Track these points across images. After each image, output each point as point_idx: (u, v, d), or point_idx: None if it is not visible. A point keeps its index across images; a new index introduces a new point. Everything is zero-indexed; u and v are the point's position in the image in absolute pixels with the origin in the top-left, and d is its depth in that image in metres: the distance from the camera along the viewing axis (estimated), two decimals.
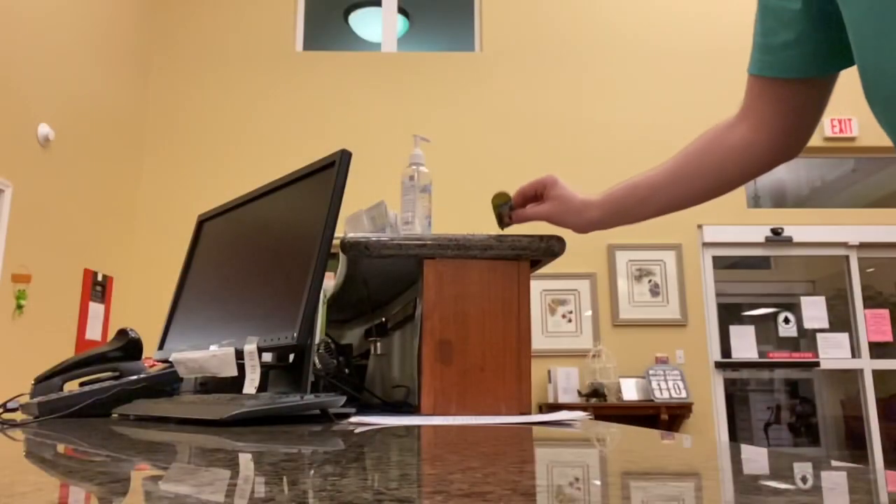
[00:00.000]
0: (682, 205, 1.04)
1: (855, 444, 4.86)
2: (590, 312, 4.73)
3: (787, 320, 4.95)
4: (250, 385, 0.88)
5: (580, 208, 1.08)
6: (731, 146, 0.96)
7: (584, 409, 3.97)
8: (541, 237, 1.06)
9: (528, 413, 1.00)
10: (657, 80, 5.08)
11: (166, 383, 1.08)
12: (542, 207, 1.11)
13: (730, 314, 4.98)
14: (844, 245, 4.90)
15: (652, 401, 4.40)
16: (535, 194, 1.13)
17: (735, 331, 4.84)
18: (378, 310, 1.55)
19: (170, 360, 1.03)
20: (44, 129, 3.79)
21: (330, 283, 1.24)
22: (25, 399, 1.06)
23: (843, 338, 4.81)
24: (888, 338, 4.80)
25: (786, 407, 5.28)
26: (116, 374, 1.13)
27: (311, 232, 0.91)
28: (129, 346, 1.15)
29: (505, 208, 1.15)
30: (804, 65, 0.85)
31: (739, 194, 4.90)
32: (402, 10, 5.48)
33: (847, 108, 4.85)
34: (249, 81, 5.08)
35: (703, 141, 1.00)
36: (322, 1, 5.51)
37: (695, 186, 1.01)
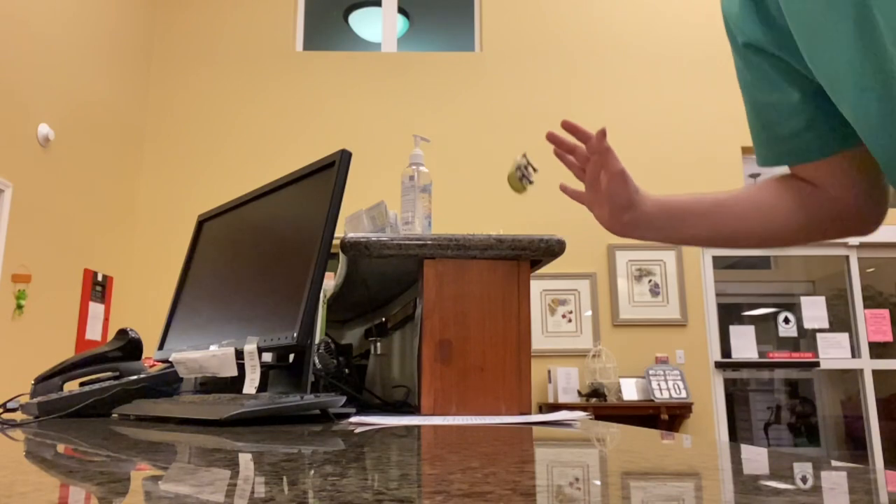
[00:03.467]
0: (760, 233, 0.84)
1: (855, 444, 4.86)
2: (590, 312, 4.73)
3: (787, 320, 4.95)
4: (250, 385, 0.88)
5: (635, 194, 0.86)
6: (826, 200, 0.83)
7: (584, 409, 3.97)
8: (541, 237, 1.06)
9: (528, 413, 1.00)
10: (657, 81, 5.08)
11: (166, 383, 1.08)
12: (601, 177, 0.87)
13: (730, 314, 4.98)
14: (844, 245, 4.90)
15: (652, 401, 4.40)
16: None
17: (735, 331, 4.84)
18: (378, 310, 1.55)
19: (170, 360, 1.03)
20: (44, 129, 3.79)
21: (330, 283, 1.24)
22: (25, 399, 1.06)
23: (843, 338, 4.81)
24: (888, 338, 4.80)
25: (786, 407, 5.28)
26: (116, 374, 1.13)
27: (311, 232, 0.91)
28: (129, 346, 1.15)
29: (524, 164, 1.01)
30: (825, 144, 0.77)
31: None
32: (402, 10, 5.48)
33: None
34: (249, 81, 5.08)
35: (797, 182, 0.84)
36: (322, 1, 5.51)
37: (783, 222, 0.83)
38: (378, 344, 1.40)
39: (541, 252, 1.06)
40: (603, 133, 0.82)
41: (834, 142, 0.77)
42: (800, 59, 0.71)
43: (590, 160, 0.85)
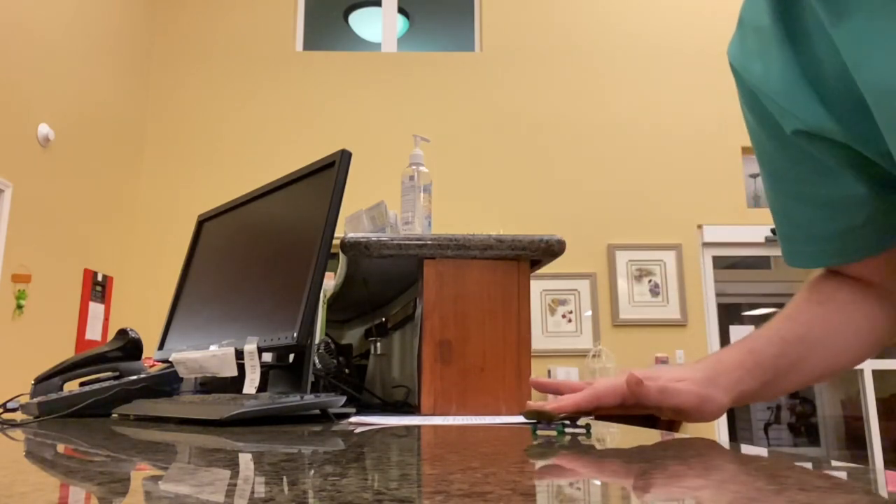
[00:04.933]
0: (843, 360, 0.71)
1: (855, 444, 4.86)
2: (590, 312, 4.73)
3: None
4: (250, 385, 0.88)
5: (704, 394, 0.64)
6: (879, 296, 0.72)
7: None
8: (541, 237, 1.06)
9: None
10: (658, 80, 5.08)
11: (166, 383, 1.08)
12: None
13: (730, 314, 4.98)
14: None
15: None
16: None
17: (735, 331, 4.84)
18: (378, 310, 1.55)
19: (170, 360, 1.03)
20: (44, 129, 3.79)
21: (330, 283, 1.24)
22: (25, 399, 1.06)
23: None
24: None
25: (786, 407, 5.28)
26: (116, 374, 1.13)
27: (311, 232, 0.91)
28: (129, 346, 1.15)
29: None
30: (883, 238, 0.66)
31: (739, 194, 4.91)
32: (402, 10, 5.48)
33: None
34: (249, 81, 5.08)
35: (847, 281, 0.72)
36: (322, 1, 5.51)
37: (844, 340, 0.71)
38: (378, 344, 1.40)
39: (541, 252, 1.06)
40: (637, 380, 0.61)
41: (885, 240, 0.66)
42: (879, 147, 0.57)
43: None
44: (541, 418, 0.63)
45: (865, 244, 0.66)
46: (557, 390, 0.69)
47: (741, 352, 0.68)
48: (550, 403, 0.63)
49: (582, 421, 0.65)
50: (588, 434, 0.62)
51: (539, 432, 0.64)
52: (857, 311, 0.70)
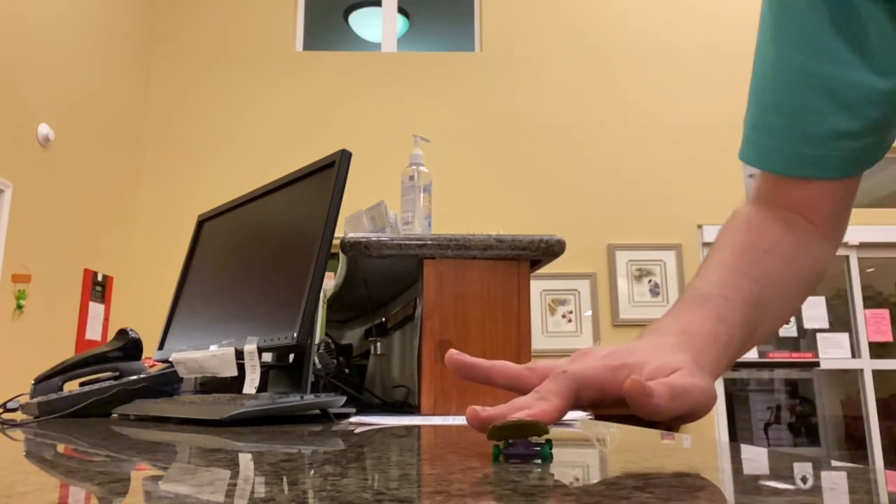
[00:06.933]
0: (786, 317, 0.68)
1: (855, 444, 4.86)
2: (590, 312, 4.73)
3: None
4: (250, 385, 0.88)
5: (708, 388, 0.49)
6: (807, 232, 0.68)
7: (584, 408, 3.96)
8: (541, 237, 1.06)
9: None
10: (658, 80, 5.08)
11: (166, 383, 1.08)
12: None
13: None
14: (844, 245, 4.90)
15: None
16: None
17: None
18: (378, 310, 1.55)
19: (170, 360, 1.03)
20: (44, 129, 3.79)
21: (330, 283, 1.24)
22: (25, 399, 1.06)
23: (843, 338, 4.80)
24: (888, 338, 4.80)
25: (786, 407, 5.28)
26: (116, 374, 1.13)
27: (311, 232, 0.91)
28: (129, 346, 1.15)
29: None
30: (864, 158, 0.61)
31: (739, 194, 4.90)
32: (402, 10, 5.48)
33: None
34: (249, 81, 5.08)
35: (781, 215, 0.67)
36: (322, 1, 5.51)
37: (791, 295, 0.65)
38: (378, 344, 1.40)
39: (541, 252, 1.06)
40: (648, 392, 0.41)
41: (868, 158, 0.61)
42: None
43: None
44: (518, 435, 0.40)
45: (848, 158, 0.61)
46: (489, 378, 0.48)
47: (710, 320, 0.56)
48: (514, 411, 0.42)
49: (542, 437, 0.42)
50: (549, 457, 0.41)
51: (507, 452, 0.41)
52: (802, 262, 0.65)
